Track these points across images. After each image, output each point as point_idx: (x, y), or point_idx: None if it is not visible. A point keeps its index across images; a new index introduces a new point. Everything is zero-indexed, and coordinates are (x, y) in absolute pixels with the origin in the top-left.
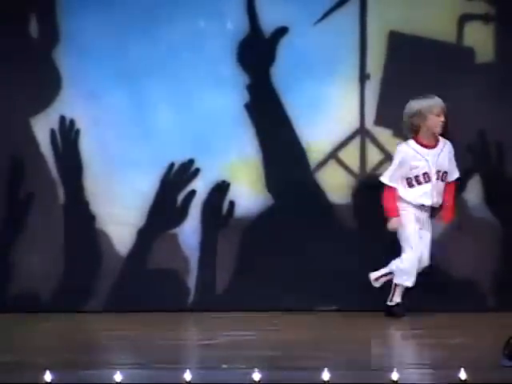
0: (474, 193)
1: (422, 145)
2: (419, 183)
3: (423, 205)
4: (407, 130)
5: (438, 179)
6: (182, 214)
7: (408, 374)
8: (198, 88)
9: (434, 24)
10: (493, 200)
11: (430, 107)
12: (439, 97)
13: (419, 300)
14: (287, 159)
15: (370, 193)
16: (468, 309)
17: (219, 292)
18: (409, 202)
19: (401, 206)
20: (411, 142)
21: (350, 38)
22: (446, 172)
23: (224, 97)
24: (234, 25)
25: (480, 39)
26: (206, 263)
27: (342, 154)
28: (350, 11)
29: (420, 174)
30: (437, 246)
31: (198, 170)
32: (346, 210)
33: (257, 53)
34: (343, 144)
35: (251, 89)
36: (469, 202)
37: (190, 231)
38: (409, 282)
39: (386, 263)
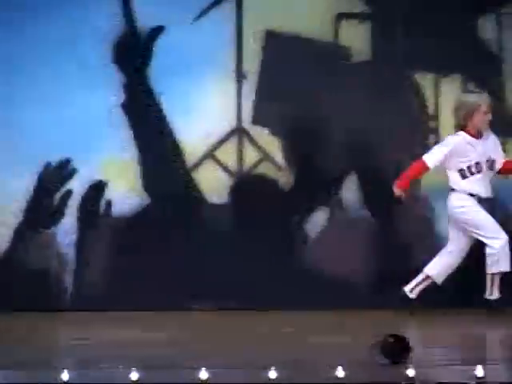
0: (351, 192)
1: (471, 135)
2: (472, 173)
3: (479, 197)
4: (458, 120)
5: (487, 169)
6: (58, 213)
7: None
8: (73, 88)
9: (310, 23)
10: (370, 199)
11: (476, 104)
12: (315, 96)
13: (299, 298)
14: (164, 158)
15: (247, 192)
16: (346, 306)
17: (96, 291)
18: (466, 192)
19: (460, 197)
20: (462, 133)
21: (227, 37)
22: (494, 160)
23: (100, 96)
24: (110, 24)
25: (356, 38)
26: (82, 262)
27: (219, 153)
28: (227, 10)
29: (472, 164)
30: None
31: (74, 170)
32: (223, 210)
33: (132, 52)
34: (220, 143)
35: (127, 88)
36: (347, 201)
37: (66, 231)
38: (504, 266)
39: (265, 261)
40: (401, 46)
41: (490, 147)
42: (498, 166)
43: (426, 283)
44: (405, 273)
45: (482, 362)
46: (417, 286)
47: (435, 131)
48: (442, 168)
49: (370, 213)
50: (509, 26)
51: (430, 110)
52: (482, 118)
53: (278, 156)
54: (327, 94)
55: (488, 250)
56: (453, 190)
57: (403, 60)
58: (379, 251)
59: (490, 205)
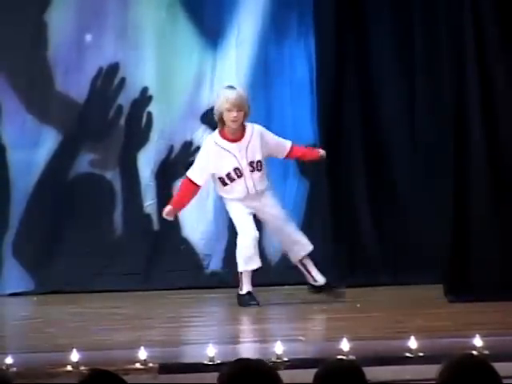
0: None
1: (227, 139)
2: (232, 180)
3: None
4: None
5: (252, 171)
6: None
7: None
8: None
9: None
10: None
11: (221, 103)
12: None
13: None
14: None
15: None
16: None
17: None
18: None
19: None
20: (216, 135)
21: None
22: (259, 161)
23: None
24: None
25: None
26: None
27: None
28: None
29: (231, 171)
30: None
31: None
32: None
33: None
34: None
35: None
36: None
37: None
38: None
39: None
40: None
41: (255, 148)
42: (282, 156)
43: None
44: None
45: None
46: None
47: None
48: None
49: None
50: None
51: None
52: (227, 116)
53: None
54: None
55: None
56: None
57: None
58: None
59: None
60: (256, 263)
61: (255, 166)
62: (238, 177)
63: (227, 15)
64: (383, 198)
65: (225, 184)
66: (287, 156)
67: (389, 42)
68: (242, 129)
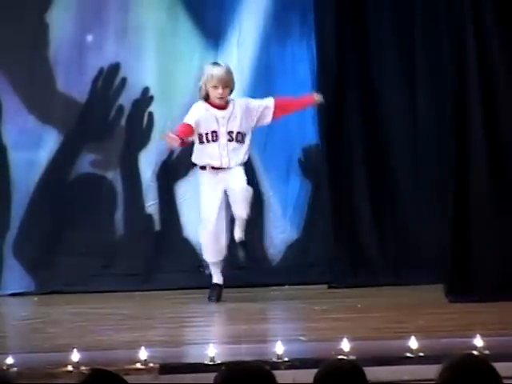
0: None
1: (213, 106)
2: (207, 141)
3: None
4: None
5: (230, 140)
6: None
7: None
8: None
9: None
10: None
11: (207, 79)
12: None
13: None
14: None
15: None
16: None
17: None
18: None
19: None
20: (203, 102)
21: None
22: (239, 133)
23: None
24: None
25: None
26: None
27: None
28: None
29: (209, 132)
30: None
31: None
32: None
33: None
34: None
35: None
36: None
37: None
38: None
39: None
40: None
41: (235, 119)
42: (270, 116)
43: None
44: None
45: None
46: None
47: None
48: None
49: None
50: None
51: None
52: (213, 93)
53: None
54: None
55: None
56: None
57: None
58: None
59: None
60: (214, 257)
61: (234, 136)
62: (213, 141)
63: (228, 15)
64: (384, 198)
65: (201, 142)
66: (276, 115)
67: (390, 42)
68: (226, 102)
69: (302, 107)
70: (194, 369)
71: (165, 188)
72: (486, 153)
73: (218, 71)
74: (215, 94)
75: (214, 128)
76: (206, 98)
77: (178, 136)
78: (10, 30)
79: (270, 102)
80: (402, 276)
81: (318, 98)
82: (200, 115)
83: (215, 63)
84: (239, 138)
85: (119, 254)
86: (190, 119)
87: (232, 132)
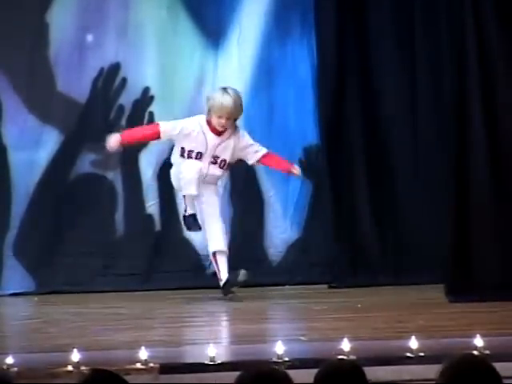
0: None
1: (210, 128)
2: (189, 157)
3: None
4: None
5: (213, 163)
6: None
7: None
8: None
9: None
10: None
11: (213, 106)
12: None
13: None
14: None
15: None
16: None
17: None
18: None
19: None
20: (203, 119)
21: None
22: (224, 160)
23: None
24: None
25: None
26: None
27: None
28: None
29: (194, 151)
30: None
31: None
32: None
33: None
34: None
35: None
36: None
37: None
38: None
39: None
40: None
41: (226, 148)
42: (255, 159)
43: None
44: None
45: None
46: None
47: None
48: None
49: None
50: None
51: None
52: (215, 121)
53: None
54: None
55: None
56: None
57: None
58: None
59: None
60: (192, 190)
61: (218, 161)
62: (196, 159)
63: (229, 15)
64: (384, 198)
65: (182, 155)
66: (260, 161)
67: (390, 41)
68: (225, 128)
69: (282, 171)
70: (193, 369)
71: (165, 188)
72: (486, 153)
73: (226, 102)
74: (217, 123)
75: (201, 150)
76: (210, 115)
77: (121, 136)
78: (10, 29)
79: (262, 150)
80: (402, 276)
81: (297, 171)
82: (192, 131)
83: (225, 91)
84: (222, 164)
85: (119, 254)
86: (175, 125)
87: (218, 157)
